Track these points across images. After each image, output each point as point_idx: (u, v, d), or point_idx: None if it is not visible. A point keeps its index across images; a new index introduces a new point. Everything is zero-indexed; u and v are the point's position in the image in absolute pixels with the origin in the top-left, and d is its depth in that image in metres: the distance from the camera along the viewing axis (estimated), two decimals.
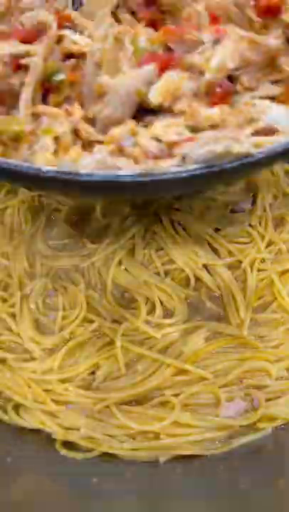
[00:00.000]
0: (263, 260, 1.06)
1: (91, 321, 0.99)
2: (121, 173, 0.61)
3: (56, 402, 0.91)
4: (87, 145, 0.66)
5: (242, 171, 0.66)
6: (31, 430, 0.90)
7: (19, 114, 0.66)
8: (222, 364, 0.94)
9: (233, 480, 0.83)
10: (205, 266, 1.05)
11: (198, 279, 1.05)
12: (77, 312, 0.99)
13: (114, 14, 0.74)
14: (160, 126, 0.64)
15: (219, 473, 0.84)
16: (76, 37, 0.70)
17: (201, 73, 0.66)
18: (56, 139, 0.65)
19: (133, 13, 0.75)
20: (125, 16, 0.74)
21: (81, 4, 0.78)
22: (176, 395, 0.90)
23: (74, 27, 0.73)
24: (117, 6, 0.74)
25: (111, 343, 0.96)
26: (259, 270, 1.05)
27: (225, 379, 0.92)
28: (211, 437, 0.88)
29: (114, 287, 1.03)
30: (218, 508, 0.80)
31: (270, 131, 0.65)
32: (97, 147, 0.64)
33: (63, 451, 0.87)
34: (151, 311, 1.00)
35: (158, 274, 1.04)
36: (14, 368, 0.95)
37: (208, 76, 0.65)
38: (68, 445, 0.88)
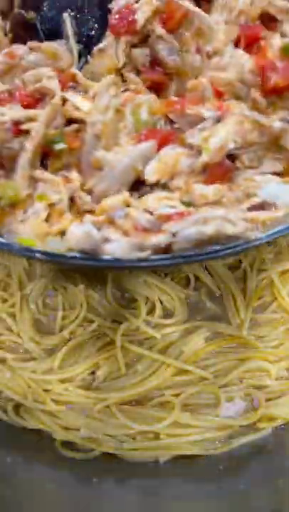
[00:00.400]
0: (263, 260, 1.06)
1: (91, 321, 0.99)
2: (106, 256, 0.60)
3: (56, 402, 0.91)
4: (81, 213, 0.65)
5: (236, 253, 0.69)
6: (31, 430, 0.91)
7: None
8: (222, 364, 0.94)
9: (233, 480, 0.83)
10: (205, 266, 1.05)
11: (198, 279, 1.05)
12: (77, 312, 0.99)
13: (120, 72, 0.74)
14: (152, 198, 0.63)
15: (219, 473, 0.84)
16: (78, 100, 0.69)
17: (199, 152, 0.64)
18: (50, 205, 0.64)
19: (138, 72, 0.75)
20: (130, 75, 0.74)
21: (87, 62, 0.77)
22: (176, 395, 0.90)
23: (78, 86, 0.72)
24: (124, 65, 0.74)
25: (111, 343, 0.96)
26: (259, 270, 1.05)
27: (225, 379, 0.92)
28: (211, 437, 0.88)
29: (114, 287, 1.03)
30: (218, 508, 0.80)
31: (267, 205, 0.64)
32: (86, 217, 0.63)
33: (63, 451, 0.87)
34: (151, 311, 1.00)
35: (158, 274, 1.04)
36: (14, 368, 0.95)
37: (204, 157, 0.63)
38: (68, 445, 0.88)
